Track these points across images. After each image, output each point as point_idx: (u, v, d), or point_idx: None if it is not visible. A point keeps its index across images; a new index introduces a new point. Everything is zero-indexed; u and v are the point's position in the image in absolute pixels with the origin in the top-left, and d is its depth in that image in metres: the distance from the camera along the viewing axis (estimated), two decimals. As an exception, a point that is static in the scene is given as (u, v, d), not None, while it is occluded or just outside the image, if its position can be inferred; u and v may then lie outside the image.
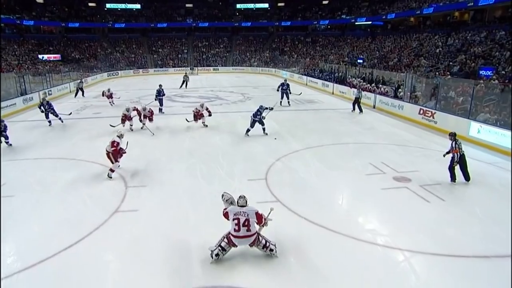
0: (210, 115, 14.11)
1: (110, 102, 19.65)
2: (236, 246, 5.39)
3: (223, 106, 19.31)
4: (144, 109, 13.56)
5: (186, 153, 10.82)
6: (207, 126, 14.00)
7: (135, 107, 13.85)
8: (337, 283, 4.96)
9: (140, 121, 13.48)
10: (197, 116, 13.84)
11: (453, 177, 8.19)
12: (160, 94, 17.36)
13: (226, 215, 5.43)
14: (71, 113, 16.03)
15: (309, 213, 6.86)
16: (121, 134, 8.90)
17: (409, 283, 5.01)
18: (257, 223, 5.37)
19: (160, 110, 17.00)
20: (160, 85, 17.85)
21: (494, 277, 5.10)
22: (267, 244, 5.41)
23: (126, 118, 13.41)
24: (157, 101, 17.28)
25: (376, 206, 7.39)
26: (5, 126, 11.55)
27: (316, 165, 9.77)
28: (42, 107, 14.36)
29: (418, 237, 6.08)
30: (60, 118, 14.78)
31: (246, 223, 5.23)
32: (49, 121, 14.50)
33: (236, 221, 5.25)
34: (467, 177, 8.19)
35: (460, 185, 8.11)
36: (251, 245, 5.40)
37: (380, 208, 7.31)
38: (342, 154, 10.78)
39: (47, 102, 14.73)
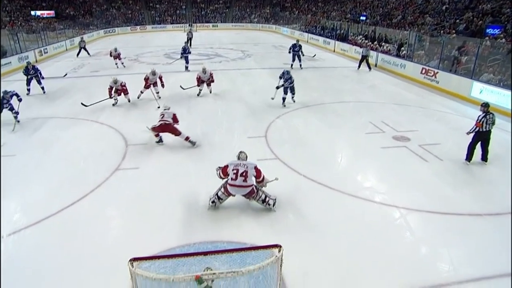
0: (208, 84, 12.53)
1: (117, 64, 17.67)
2: (233, 195, 5.57)
3: (223, 64, 18.97)
4: (154, 73, 11.66)
5: (185, 111, 10.76)
6: (210, 92, 12.78)
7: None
8: (334, 239, 5.10)
9: (148, 88, 11.73)
10: (199, 81, 12.40)
11: (468, 156, 7.32)
12: (185, 51, 16.92)
13: (225, 169, 5.51)
14: (66, 74, 15.73)
15: (308, 171, 6.94)
16: (168, 107, 8.54)
17: (404, 239, 5.15)
18: (255, 177, 5.51)
19: (186, 68, 16.69)
20: (186, 42, 17.39)
21: (486, 234, 5.23)
22: (267, 198, 5.59)
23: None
24: (183, 59, 16.97)
25: (374, 165, 7.47)
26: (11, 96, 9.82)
27: (316, 123, 9.78)
28: (26, 72, 12.58)
29: (415, 195, 6.18)
30: (42, 87, 12.89)
31: (244, 174, 5.39)
32: (28, 89, 12.68)
33: (234, 171, 5.41)
34: (485, 156, 7.37)
35: (459, 145, 7.90)
36: (247, 197, 5.57)
37: (378, 166, 7.39)
38: (342, 113, 10.74)
39: (33, 66, 12.84)
